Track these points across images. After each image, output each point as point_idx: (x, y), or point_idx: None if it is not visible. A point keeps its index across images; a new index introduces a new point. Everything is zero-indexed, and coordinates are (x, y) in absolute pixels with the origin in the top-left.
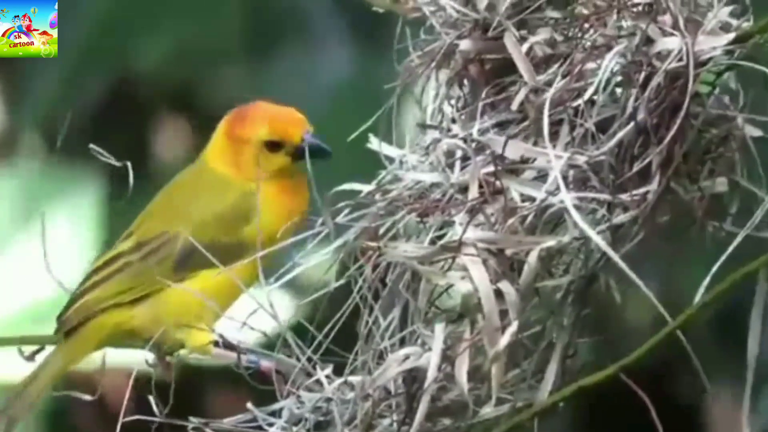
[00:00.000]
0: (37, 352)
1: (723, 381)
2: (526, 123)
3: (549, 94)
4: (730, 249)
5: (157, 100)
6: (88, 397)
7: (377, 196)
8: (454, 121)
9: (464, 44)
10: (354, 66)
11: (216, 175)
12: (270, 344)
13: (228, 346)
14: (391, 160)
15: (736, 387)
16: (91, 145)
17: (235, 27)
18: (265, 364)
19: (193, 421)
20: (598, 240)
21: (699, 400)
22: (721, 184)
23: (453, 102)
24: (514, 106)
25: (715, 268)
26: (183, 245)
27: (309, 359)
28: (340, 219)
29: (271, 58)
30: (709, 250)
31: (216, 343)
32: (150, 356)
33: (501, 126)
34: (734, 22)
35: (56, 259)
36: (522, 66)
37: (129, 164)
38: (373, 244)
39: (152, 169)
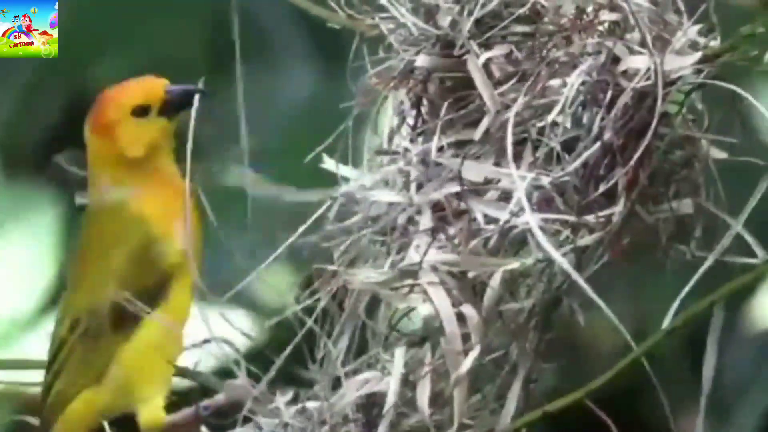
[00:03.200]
0: None
1: (691, 406)
2: (488, 142)
3: (512, 113)
4: (699, 274)
5: None
6: (35, 421)
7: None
8: (412, 141)
9: (421, 60)
10: (316, 85)
11: (105, 210)
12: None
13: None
14: (347, 180)
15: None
16: (58, 156)
17: (195, 46)
18: (219, 400)
19: None
20: (563, 262)
21: (664, 426)
22: (685, 207)
23: (411, 122)
24: (477, 135)
25: (683, 294)
26: (110, 309)
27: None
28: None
29: (232, 77)
30: (675, 274)
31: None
32: None
33: (462, 145)
34: (701, 40)
35: (14, 276)
36: (485, 92)
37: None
38: (331, 268)
39: None
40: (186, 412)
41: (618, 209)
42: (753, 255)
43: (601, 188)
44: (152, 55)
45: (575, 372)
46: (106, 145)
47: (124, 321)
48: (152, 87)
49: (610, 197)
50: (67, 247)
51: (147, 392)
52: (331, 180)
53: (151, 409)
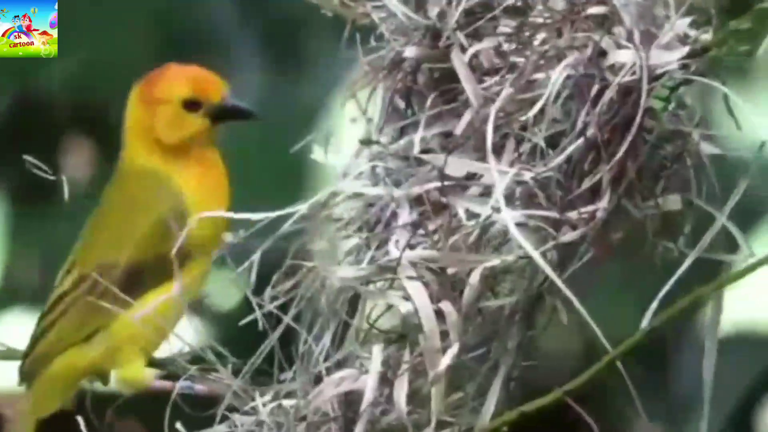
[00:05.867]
0: None
1: (650, 409)
2: (472, 135)
3: (494, 106)
4: (680, 271)
5: (65, 120)
6: None
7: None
8: (401, 131)
9: (410, 51)
10: (268, 84)
11: (139, 174)
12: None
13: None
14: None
15: (663, 415)
16: (25, 156)
17: (146, 46)
18: (199, 387)
19: None
20: (540, 260)
21: (627, 428)
22: (674, 202)
23: (400, 112)
24: (459, 130)
25: (663, 293)
26: (124, 271)
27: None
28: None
29: None
30: (656, 272)
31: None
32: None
33: (448, 138)
34: (693, 33)
35: None
36: (468, 86)
37: (64, 179)
38: (309, 264)
39: (59, 189)
40: (165, 383)
41: (602, 205)
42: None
43: (585, 184)
44: (100, 55)
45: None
46: (146, 118)
47: (132, 286)
48: (212, 87)
49: (594, 193)
50: (10, 248)
51: (129, 357)
52: (293, 175)
53: (134, 368)
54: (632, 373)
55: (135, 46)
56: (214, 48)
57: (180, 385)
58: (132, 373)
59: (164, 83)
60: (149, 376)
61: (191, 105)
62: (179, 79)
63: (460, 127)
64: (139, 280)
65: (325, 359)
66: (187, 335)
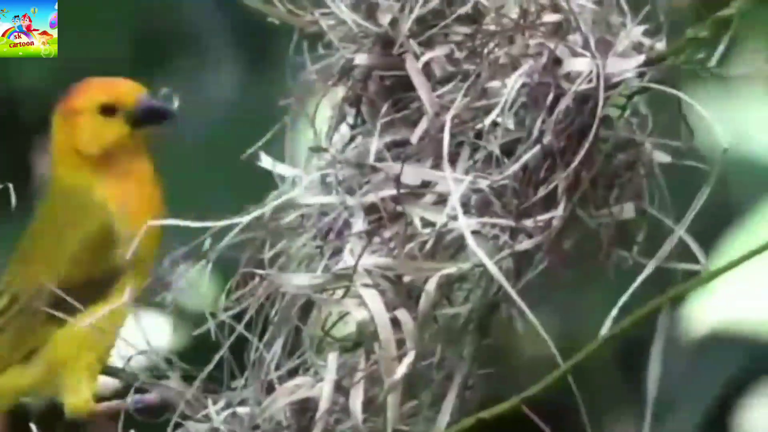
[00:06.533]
0: None
1: (626, 413)
2: (426, 143)
3: (449, 114)
4: (638, 281)
5: (41, 119)
6: None
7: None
8: (352, 139)
9: (360, 59)
10: (245, 84)
11: (65, 192)
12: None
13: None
14: (283, 179)
15: (639, 420)
16: None
17: (122, 45)
18: (150, 398)
19: None
20: (494, 269)
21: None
22: (628, 211)
23: (350, 120)
24: (415, 138)
25: (621, 302)
26: (56, 290)
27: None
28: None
29: (160, 76)
30: (613, 280)
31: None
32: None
33: (401, 146)
34: (647, 41)
35: None
36: (423, 94)
37: (11, 186)
38: (260, 272)
39: (36, 189)
40: (113, 403)
41: (558, 213)
42: (695, 261)
43: (541, 192)
44: (78, 54)
45: (506, 380)
46: (67, 132)
47: (62, 308)
48: (127, 92)
49: (550, 201)
50: None
51: (73, 381)
52: (261, 179)
53: (79, 396)
54: (611, 374)
55: (109, 46)
56: (192, 47)
57: (129, 401)
58: (76, 401)
59: (81, 94)
60: (93, 404)
61: (107, 110)
62: (94, 88)
63: (416, 135)
64: (67, 303)
65: (277, 368)
66: (164, 337)
